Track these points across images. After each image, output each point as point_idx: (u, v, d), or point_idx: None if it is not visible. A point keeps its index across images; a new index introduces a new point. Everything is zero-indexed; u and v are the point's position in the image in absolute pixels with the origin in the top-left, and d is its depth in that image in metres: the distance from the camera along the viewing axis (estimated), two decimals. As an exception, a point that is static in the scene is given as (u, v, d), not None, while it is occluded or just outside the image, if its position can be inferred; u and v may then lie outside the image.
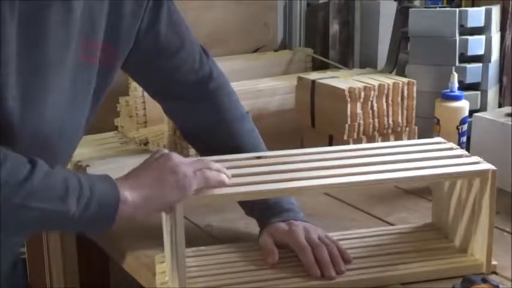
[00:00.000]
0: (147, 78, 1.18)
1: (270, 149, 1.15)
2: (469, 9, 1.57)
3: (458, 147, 1.16)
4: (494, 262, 1.04)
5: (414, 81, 1.52)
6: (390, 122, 1.51)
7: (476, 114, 1.43)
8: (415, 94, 1.52)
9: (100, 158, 1.41)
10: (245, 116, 1.21)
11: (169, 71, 1.14)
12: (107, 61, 1.04)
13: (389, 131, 1.52)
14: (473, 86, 1.58)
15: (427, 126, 1.48)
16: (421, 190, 1.34)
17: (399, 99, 1.51)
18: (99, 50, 1.02)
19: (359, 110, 1.47)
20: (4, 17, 0.87)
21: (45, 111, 0.94)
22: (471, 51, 1.56)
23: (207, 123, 1.16)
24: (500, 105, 1.65)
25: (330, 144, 1.49)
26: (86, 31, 0.99)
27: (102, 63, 1.03)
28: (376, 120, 1.49)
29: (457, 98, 1.36)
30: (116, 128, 1.67)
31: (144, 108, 1.61)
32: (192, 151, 1.42)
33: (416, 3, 1.78)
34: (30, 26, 0.91)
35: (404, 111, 1.52)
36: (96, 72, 1.02)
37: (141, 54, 1.10)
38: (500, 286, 0.94)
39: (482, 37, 1.57)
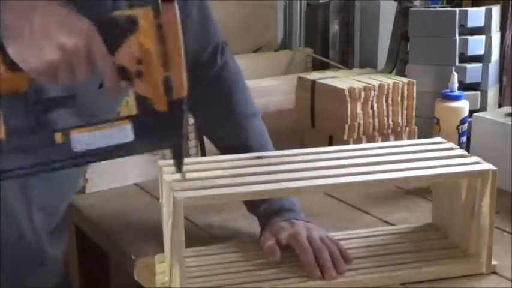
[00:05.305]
0: None
1: (270, 149, 1.16)
2: (469, 9, 1.57)
3: (458, 147, 1.16)
4: (494, 262, 1.04)
5: (414, 81, 1.52)
6: (390, 122, 1.51)
7: (476, 114, 1.43)
8: (415, 94, 1.52)
9: (100, 158, 1.41)
10: (257, 113, 1.20)
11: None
12: None
13: (389, 131, 1.52)
14: (473, 86, 1.58)
15: (427, 126, 1.48)
16: (421, 190, 1.34)
17: (399, 99, 1.51)
18: None
19: (359, 110, 1.47)
20: None
21: None
22: (471, 51, 1.56)
23: (218, 115, 1.15)
24: (500, 105, 1.65)
25: (330, 144, 1.49)
26: None
27: None
28: (376, 120, 1.49)
29: (457, 98, 1.36)
30: (116, 128, 1.66)
31: (144, 108, 1.60)
32: (192, 151, 1.42)
33: (416, 3, 1.77)
34: None
35: (404, 111, 1.52)
36: None
37: None
38: None
39: (482, 37, 1.57)
